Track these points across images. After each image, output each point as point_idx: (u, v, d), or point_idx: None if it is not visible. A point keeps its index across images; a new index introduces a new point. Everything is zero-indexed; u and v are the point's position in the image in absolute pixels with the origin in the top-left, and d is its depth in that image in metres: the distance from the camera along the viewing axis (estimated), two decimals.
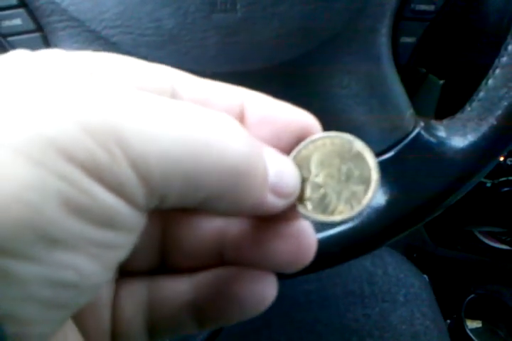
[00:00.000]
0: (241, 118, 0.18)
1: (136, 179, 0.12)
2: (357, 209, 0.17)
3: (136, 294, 0.19)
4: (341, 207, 0.17)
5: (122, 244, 0.13)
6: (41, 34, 0.30)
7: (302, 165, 0.18)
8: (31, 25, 0.30)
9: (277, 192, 0.16)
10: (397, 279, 0.50)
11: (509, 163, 0.68)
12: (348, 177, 0.17)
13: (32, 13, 0.30)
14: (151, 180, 0.13)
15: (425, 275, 0.80)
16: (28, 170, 0.11)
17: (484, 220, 0.72)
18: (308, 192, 0.18)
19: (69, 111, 0.12)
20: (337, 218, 0.17)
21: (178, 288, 0.19)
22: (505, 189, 0.68)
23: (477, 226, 0.76)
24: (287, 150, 0.18)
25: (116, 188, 0.12)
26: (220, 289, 0.19)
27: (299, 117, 0.18)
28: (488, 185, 0.68)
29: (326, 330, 0.44)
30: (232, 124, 0.15)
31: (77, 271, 0.12)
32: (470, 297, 0.78)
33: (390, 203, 0.33)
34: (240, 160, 0.14)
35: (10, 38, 0.30)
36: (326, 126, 0.33)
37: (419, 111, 0.50)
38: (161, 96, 0.14)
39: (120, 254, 0.14)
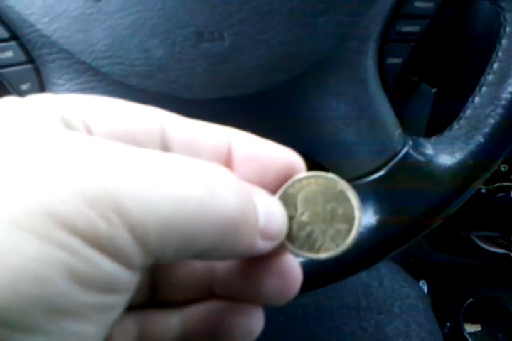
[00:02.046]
0: (228, 157, 0.19)
1: (134, 244, 0.13)
2: (342, 247, 0.18)
3: (127, 329, 0.19)
4: (327, 244, 0.18)
5: (119, 304, 0.14)
6: (33, 66, 0.31)
7: (288, 203, 0.18)
8: (23, 58, 0.30)
9: (266, 235, 0.17)
10: (392, 290, 0.50)
11: (503, 169, 0.68)
12: (333, 216, 0.18)
13: (23, 46, 0.30)
14: (149, 244, 0.13)
15: (423, 281, 0.81)
16: (30, 243, 0.11)
17: (480, 225, 0.73)
18: (295, 230, 0.18)
19: (67, 178, 0.12)
20: (323, 255, 0.18)
21: (168, 322, 0.19)
22: (500, 194, 0.69)
23: (473, 230, 0.76)
24: (273, 186, 0.19)
25: (115, 254, 0.12)
26: (209, 323, 0.19)
27: (283, 155, 0.19)
28: (483, 190, 0.68)
29: None
30: (224, 176, 0.15)
31: (79, 338, 0.12)
32: (468, 301, 0.79)
33: (380, 222, 0.34)
34: (234, 214, 0.15)
35: (2, 70, 0.31)
36: (316, 149, 0.34)
37: (413, 120, 0.51)
38: (154, 152, 0.14)
39: (117, 312, 0.14)
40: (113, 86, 0.30)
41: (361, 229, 0.34)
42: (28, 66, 0.31)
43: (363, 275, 0.52)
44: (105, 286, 0.13)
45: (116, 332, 0.19)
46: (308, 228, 0.18)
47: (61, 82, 0.30)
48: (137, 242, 0.13)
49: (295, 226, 0.18)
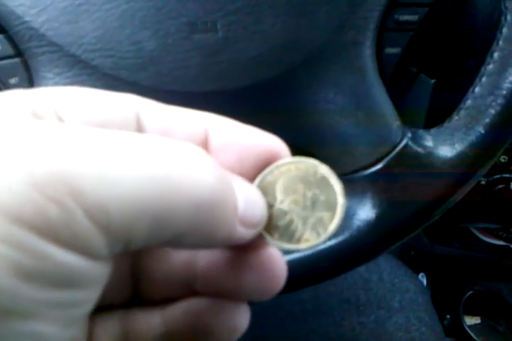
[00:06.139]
0: (205, 144, 0.18)
1: (94, 229, 0.11)
2: (323, 236, 0.17)
3: (111, 329, 0.19)
4: (307, 234, 0.17)
5: (86, 299, 0.13)
6: (21, 59, 0.30)
7: (267, 191, 0.18)
8: (11, 51, 0.30)
9: (245, 223, 0.16)
10: (392, 285, 0.50)
11: (503, 160, 0.68)
12: (314, 203, 0.17)
13: (11, 39, 0.29)
14: (112, 228, 0.12)
15: (423, 273, 0.81)
16: None
17: (480, 217, 0.72)
18: (274, 220, 0.17)
19: (12, 164, 0.11)
20: (303, 246, 0.17)
21: (151, 321, 0.19)
22: (500, 186, 0.68)
23: (473, 223, 0.76)
24: (252, 175, 0.18)
25: (72, 244, 0.11)
26: (191, 321, 0.18)
27: (264, 141, 0.18)
28: (483, 182, 0.68)
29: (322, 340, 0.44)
30: (199, 155, 0.14)
31: (38, 339, 0.11)
32: (468, 293, 0.79)
33: (380, 216, 0.33)
34: (210, 194, 0.14)
35: None
36: (313, 141, 0.33)
37: (411, 112, 0.50)
38: (118, 131, 0.13)
39: (84, 309, 0.13)
40: (103, 79, 0.29)
41: (360, 223, 0.33)
42: (16, 60, 0.30)
43: (362, 269, 0.51)
44: (61, 281, 0.11)
45: (100, 332, 0.18)
46: (288, 217, 0.17)
47: (50, 75, 0.29)
48: (97, 227, 0.11)
49: (274, 216, 0.17)
